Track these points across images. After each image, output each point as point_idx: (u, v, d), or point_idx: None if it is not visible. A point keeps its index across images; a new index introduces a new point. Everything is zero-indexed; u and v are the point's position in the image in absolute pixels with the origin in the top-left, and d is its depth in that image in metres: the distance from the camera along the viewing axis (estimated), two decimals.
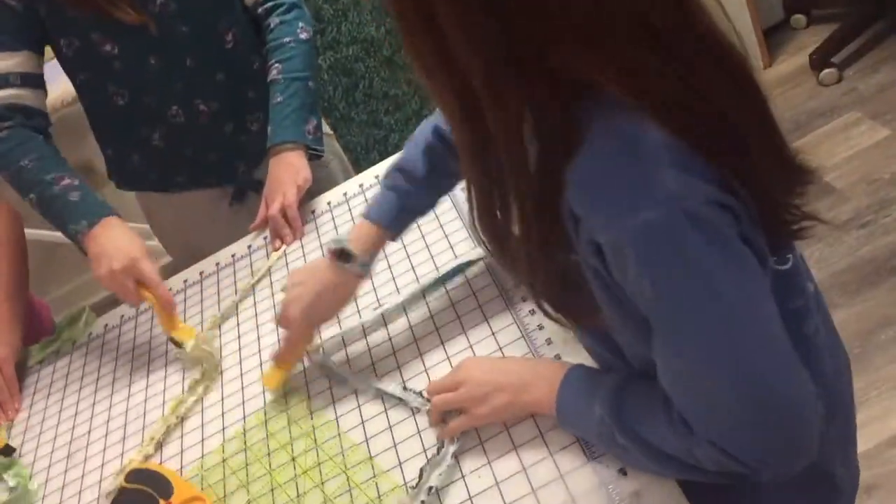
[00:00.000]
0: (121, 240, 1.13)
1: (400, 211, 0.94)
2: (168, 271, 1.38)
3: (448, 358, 0.93)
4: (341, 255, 0.92)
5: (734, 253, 0.59)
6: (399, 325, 1.01)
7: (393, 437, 0.87)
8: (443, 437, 0.83)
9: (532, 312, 0.92)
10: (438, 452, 0.82)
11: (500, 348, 0.91)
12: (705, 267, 0.58)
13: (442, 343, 0.95)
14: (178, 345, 1.09)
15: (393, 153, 1.35)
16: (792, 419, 0.62)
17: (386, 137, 2.57)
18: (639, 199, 0.57)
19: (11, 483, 1.05)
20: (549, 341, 0.88)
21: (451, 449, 0.82)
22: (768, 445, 0.63)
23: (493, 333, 0.93)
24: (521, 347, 0.89)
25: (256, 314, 1.15)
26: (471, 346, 0.93)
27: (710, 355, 0.60)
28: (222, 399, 1.04)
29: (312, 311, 0.94)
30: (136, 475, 0.94)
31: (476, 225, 0.69)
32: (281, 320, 0.96)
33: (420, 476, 0.80)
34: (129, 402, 1.11)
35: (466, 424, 0.83)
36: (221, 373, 1.07)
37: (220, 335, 1.14)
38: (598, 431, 0.72)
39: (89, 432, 1.09)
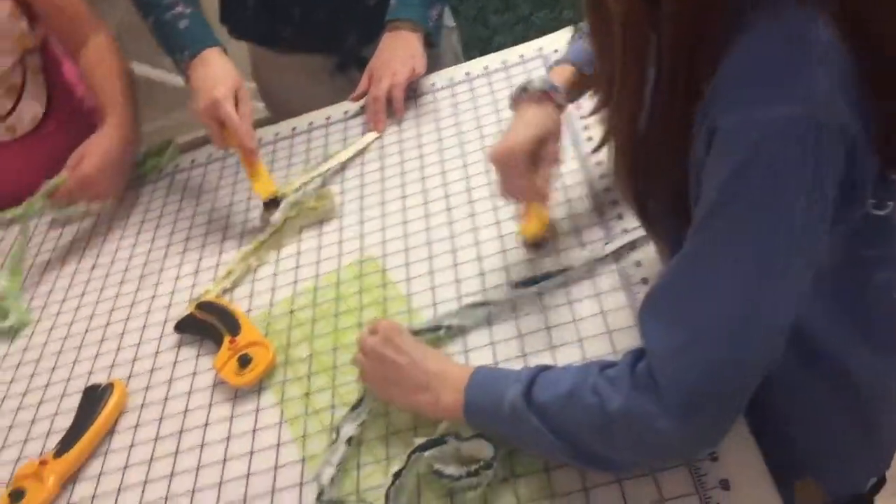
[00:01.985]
0: (210, 79, 1.10)
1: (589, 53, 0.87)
2: (261, 124, 1.38)
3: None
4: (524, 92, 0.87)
5: (820, 192, 0.56)
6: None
7: (463, 327, 0.87)
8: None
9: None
10: (359, 404, 0.80)
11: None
12: (794, 185, 0.54)
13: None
14: (269, 205, 1.08)
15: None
16: (738, 366, 0.58)
17: (490, 38, 2.51)
18: (785, 90, 0.54)
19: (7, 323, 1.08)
20: (638, 263, 0.86)
21: (368, 404, 0.80)
22: (700, 381, 0.58)
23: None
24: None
25: (343, 191, 1.13)
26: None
27: (733, 262, 0.56)
28: (298, 253, 1.04)
29: (532, 132, 0.83)
30: (206, 307, 0.96)
31: (612, 129, 0.67)
32: (498, 153, 0.84)
33: (336, 433, 0.78)
34: (207, 238, 1.12)
35: (360, 367, 0.80)
36: (301, 230, 1.08)
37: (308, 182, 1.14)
38: (509, 412, 0.66)
39: (164, 258, 1.12)
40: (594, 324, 0.82)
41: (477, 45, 2.49)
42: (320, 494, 0.73)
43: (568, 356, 0.80)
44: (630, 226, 0.89)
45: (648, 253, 0.86)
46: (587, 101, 0.93)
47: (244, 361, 0.88)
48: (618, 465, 0.65)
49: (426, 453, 0.72)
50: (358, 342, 0.81)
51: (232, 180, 1.23)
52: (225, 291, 1.02)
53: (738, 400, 0.60)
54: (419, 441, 0.73)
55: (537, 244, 0.90)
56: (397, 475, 0.71)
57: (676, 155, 0.63)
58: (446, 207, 1.03)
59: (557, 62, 0.92)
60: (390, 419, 0.79)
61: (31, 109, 1.28)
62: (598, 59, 0.70)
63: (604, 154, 0.97)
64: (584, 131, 1.05)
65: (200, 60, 1.13)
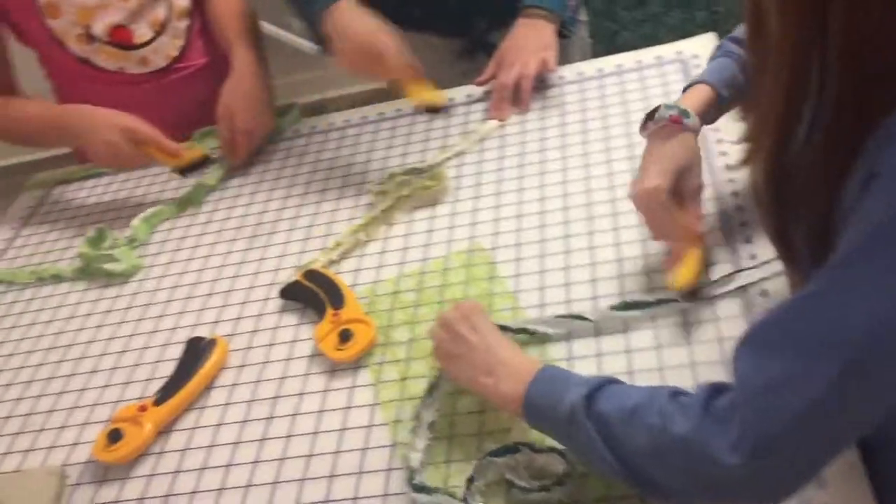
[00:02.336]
0: (356, 23, 1.08)
1: (733, 74, 0.84)
2: (381, 99, 1.37)
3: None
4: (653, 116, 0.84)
5: None
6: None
7: (568, 331, 0.84)
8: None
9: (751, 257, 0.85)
10: (435, 387, 0.79)
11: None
12: None
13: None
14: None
15: (618, 52, 1.27)
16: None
17: (615, 34, 2.44)
18: None
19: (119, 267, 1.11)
20: (764, 293, 0.82)
21: (444, 387, 0.79)
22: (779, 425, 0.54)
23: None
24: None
25: (459, 176, 1.11)
26: None
27: (871, 306, 0.52)
28: (407, 234, 1.03)
29: (670, 167, 0.80)
30: (313, 276, 0.97)
31: (759, 151, 0.63)
32: (639, 196, 0.80)
33: (417, 419, 0.78)
34: (319, 206, 1.13)
35: (434, 339, 0.79)
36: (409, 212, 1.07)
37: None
38: (567, 414, 0.64)
39: (276, 222, 1.12)
40: (709, 350, 0.78)
41: (601, 40, 2.43)
42: (411, 479, 0.72)
43: (678, 379, 0.76)
44: (758, 251, 0.85)
45: (776, 284, 0.82)
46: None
47: (345, 336, 0.87)
48: (665, 491, 0.61)
49: (498, 460, 0.71)
50: (438, 317, 0.80)
51: (349, 151, 1.23)
52: (332, 263, 1.02)
53: (820, 458, 0.56)
54: (490, 446, 0.72)
55: (693, 292, 0.81)
56: (470, 480, 0.71)
57: (828, 187, 0.59)
58: (563, 207, 1.00)
59: (694, 82, 0.87)
60: (456, 424, 0.78)
61: (166, 48, 1.32)
62: (754, 77, 0.66)
63: (736, 170, 0.93)
64: (716, 145, 1.00)
65: (336, 8, 1.10)
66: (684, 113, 0.82)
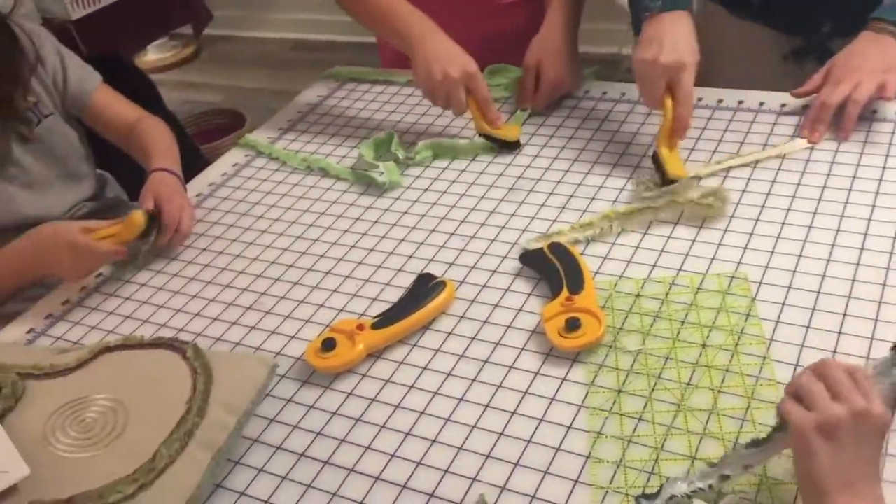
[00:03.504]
0: (672, 39, 1.01)
1: None
2: None
3: None
4: None
5: None
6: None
7: None
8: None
9: None
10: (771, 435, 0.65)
11: None
12: None
13: None
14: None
15: None
16: None
17: None
18: None
19: (381, 178, 1.12)
20: None
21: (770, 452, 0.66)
22: None
23: None
24: None
25: (744, 191, 1.01)
26: None
27: None
28: (668, 237, 0.96)
29: None
30: (557, 250, 0.92)
31: None
32: None
33: (724, 458, 0.67)
34: (585, 178, 1.07)
35: (791, 419, 0.62)
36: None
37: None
38: None
39: (536, 181, 1.08)
40: None
41: None
42: (646, 495, 0.67)
43: None
44: None
45: None
46: None
47: (572, 325, 0.82)
48: None
49: None
50: (808, 395, 0.62)
51: (633, 129, 1.15)
52: (577, 242, 0.96)
53: None
54: None
55: None
56: None
57: None
58: (855, 262, 0.87)
59: None
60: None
61: None
62: None
63: None
64: None
65: (659, 19, 1.03)
66: None
